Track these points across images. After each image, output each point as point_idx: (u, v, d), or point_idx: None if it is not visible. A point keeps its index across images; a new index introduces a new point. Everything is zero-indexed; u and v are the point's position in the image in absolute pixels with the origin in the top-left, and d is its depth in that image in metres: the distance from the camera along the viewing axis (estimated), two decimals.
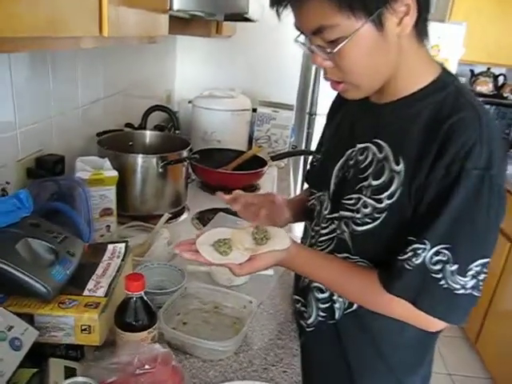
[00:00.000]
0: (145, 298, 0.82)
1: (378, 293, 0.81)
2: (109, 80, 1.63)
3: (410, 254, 0.76)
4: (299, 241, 1.13)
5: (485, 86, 2.93)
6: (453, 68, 2.57)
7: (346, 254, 0.88)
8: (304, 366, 0.93)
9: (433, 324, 0.81)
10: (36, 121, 1.17)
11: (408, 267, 0.76)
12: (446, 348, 2.69)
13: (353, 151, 0.89)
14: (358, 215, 0.85)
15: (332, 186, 0.94)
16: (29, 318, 0.77)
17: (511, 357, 2.29)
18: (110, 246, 0.98)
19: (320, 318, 0.96)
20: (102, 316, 0.79)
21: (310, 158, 1.19)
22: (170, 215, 1.33)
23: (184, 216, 1.50)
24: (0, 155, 1.04)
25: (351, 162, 0.89)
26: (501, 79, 2.98)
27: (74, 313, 0.78)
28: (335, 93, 1.05)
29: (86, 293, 0.83)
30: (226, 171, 1.78)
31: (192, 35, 1.89)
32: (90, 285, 0.85)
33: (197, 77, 2.52)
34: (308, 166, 1.22)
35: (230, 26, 2.07)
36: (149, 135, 1.59)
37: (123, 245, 0.98)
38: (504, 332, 2.39)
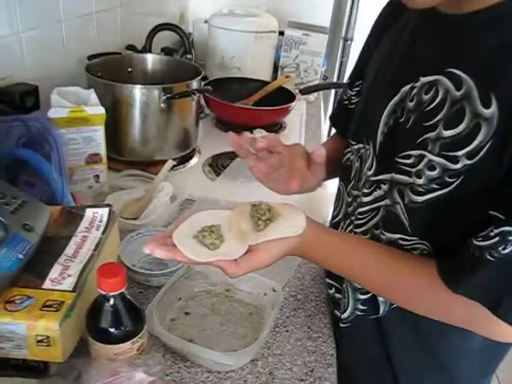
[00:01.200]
0: (127, 296, 0.58)
1: (439, 294, 0.58)
2: None
3: (495, 239, 0.51)
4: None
5: None
6: None
7: (398, 235, 0.63)
8: (339, 373, 0.71)
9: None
10: (2, 35, 0.89)
11: (489, 258, 0.52)
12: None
13: (413, 87, 0.61)
14: (420, 180, 0.59)
15: (379, 138, 0.67)
16: None
17: None
18: (89, 212, 0.73)
19: (358, 313, 0.73)
20: (68, 322, 0.56)
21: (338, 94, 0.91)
22: (174, 162, 1.07)
23: (194, 161, 1.24)
24: None
25: (411, 104, 0.61)
26: None
27: (26, 318, 0.55)
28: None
29: (46, 284, 0.60)
30: (246, 106, 1.48)
31: None
32: (55, 272, 0.62)
33: None
34: (336, 106, 0.94)
35: None
36: (153, 60, 1.29)
37: (105, 210, 0.74)
38: None
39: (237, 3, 1.94)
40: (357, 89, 0.82)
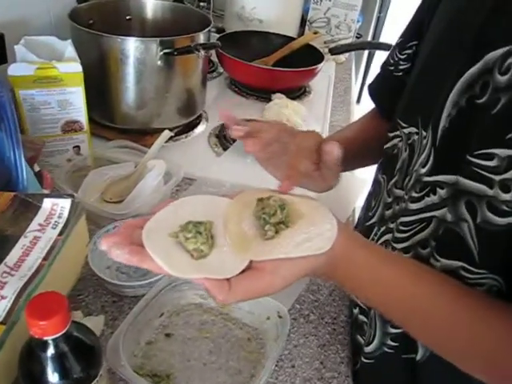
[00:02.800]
0: (74, 334, 0.42)
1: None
2: None
3: None
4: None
5: None
6: None
7: (460, 262, 0.45)
8: None
9: None
10: None
11: None
12: None
13: (509, 53, 0.41)
14: (507, 196, 0.40)
15: (443, 123, 0.47)
16: None
17: None
18: (47, 203, 0.57)
19: (387, 349, 0.56)
20: None
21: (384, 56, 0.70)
22: (172, 133, 0.89)
23: (199, 130, 1.06)
24: None
25: (502, 78, 0.41)
26: None
27: None
28: None
29: None
30: (265, 66, 1.27)
31: None
32: None
33: None
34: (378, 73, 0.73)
35: None
36: (155, 7, 1.08)
37: (67, 202, 0.57)
38: None
39: None
40: (409, 51, 0.62)
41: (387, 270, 0.46)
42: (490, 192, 0.41)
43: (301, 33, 1.61)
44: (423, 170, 0.50)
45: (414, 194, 0.50)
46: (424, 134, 0.51)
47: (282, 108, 1.17)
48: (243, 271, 0.40)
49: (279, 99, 1.21)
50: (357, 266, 0.45)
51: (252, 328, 0.62)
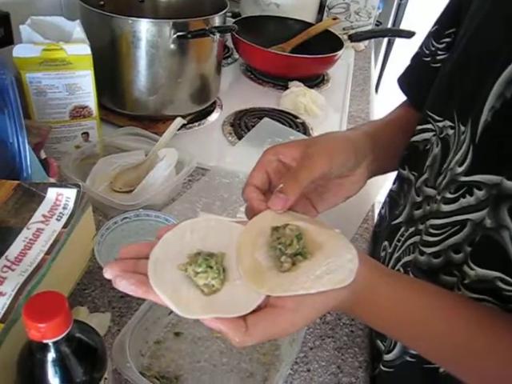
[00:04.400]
0: (76, 335, 0.39)
1: None
2: None
3: None
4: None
5: None
6: None
7: (497, 273, 0.41)
8: None
9: None
10: None
11: None
12: None
13: None
14: None
15: (484, 116, 0.42)
16: None
17: None
18: (52, 193, 0.54)
19: (408, 358, 0.52)
20: None
21: (417, 46, 0.64)
22: (184, 121, 0.86)
23: (213, 117, 1.02)
24: None
25: None
26: None
27: None
28: None
29: None
30: (282, 52, 1.23)
31: None
32: None
33: None
34: (410, 64, 0.67)
35: None
36: None
37: (73, 192, 0.54)
38: None
39: None
40: (447, 40, 0.56)
41: (416, 304, 0.42)
42: None
43: (319, 18, 1.55)
44: (460, 169, 0.45)
45: (448, 195, 0.46)
46: (463, 128, 0.46)
47: (299, 96, 1.13)
48: (259, 307, 0.37)
49: (296, 87, 1.16)
50: (382, 298, 0.42)
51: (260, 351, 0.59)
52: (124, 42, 0.83)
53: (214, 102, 1.06)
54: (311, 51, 1.21)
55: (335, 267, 0.37)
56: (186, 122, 0.88)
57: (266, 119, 1.01)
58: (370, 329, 0.62)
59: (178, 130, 0.85)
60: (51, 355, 0.38)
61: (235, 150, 0.93)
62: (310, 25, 1.35)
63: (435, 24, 0.60)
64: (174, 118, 0.84)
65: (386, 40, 2.01)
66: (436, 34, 0.59)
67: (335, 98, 1.21)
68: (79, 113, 0.76)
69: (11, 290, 0.43)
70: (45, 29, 0.69)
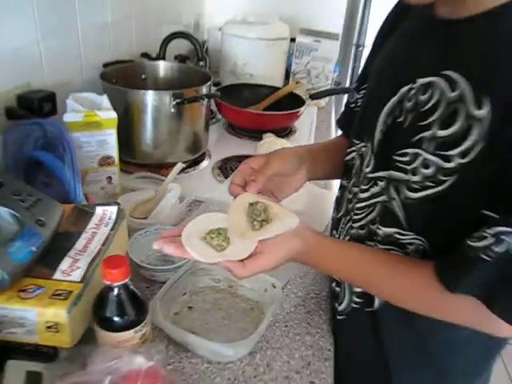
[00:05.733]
0: (131, 287, 0.62)
1: (435, 294, 0.60)
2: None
3: (490, 239, 0.52)
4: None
5: None
6: None
7: (394, 229, 0.66)
8: (334, 363, 0.74)
9: (508, 331, 0.60)
10: (16, 46, 0.95)
11: (485, 257, 0.53)
12: None
13: (411, 89, 0.64)
14: (415, 177, 0.61)
15: (377, 136, 0.70)
16: None
17: None
18: (99, 210, 0.78)
19: (354, 305, 0.76)
20: (75, 309, 0.61)
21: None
22: (184, 165, 1.11)
23: (204, 164, 1.29)
24: None
25: (408, 104, 0.64)
26: None
27: (37, 305, 0.59)
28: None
29: (57, 275, 0.64)
30: (256, 111, 1.52)
31: None
32: (65, 264, 0.66)
33: (230, 0, 2.20)
34: (343, 109, 0.96)
35: None
36: (164, 67, 1.34)
37: (114, 208, 0.78)
38: None
39: (250, 11, 1.98)
40: (363, 91, 0.85)
41: (349, 250, 0.68)
42: (406, 177, 0.63)
43: (286, 83, 1.87)
44: (367, 170, 0.71)
45: (363, 187, 0.72)
46: (368, 145, 0.73)
47: (271, 145, 1.39)
48: (251, 256, 0.61)
49: (269, 138, 1.44)
50: (326, 248, 0.67)
51: (254, 301, 0.81)
52: (135, 108, 1.10)
53: (204, 153, 1.32)
54: (280, 109, 1.50)
55: (283, 225, 0.63)
56: (185, 166, 1.13)
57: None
58: (330, 297, 0.85)
59: (178, 174, 1.10)
60: (116, 295, 0.60)
61: (223, 186, 1.18)
62: (278, 88, 1.66)
63: (356, 81, 0.89)
64: (173, 164, 1.09)
65: (346, 96, 2.34)
66: (357, 88, 0.87)
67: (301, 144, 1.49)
68: (105, 161, 1.00)
69: (83, 265, 0.66)
70: (82, 101, 0.95)
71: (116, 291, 0.60)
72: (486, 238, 0.53)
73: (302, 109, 1.50)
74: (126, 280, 0.61)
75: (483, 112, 0.54)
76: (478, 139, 0.54)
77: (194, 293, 0.82)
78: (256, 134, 1.48)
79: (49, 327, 0.60)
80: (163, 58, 1.47)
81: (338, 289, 0.81)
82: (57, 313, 0.59)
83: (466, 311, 0.60)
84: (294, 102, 1.56)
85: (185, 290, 0.81)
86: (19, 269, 0.62)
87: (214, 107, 1.55)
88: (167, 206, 0.99)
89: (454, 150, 0.57)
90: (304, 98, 1.57)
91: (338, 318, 0.78)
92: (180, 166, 1.09)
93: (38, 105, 0.95)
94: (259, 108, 1.58)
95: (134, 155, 1.16)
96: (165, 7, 1.75)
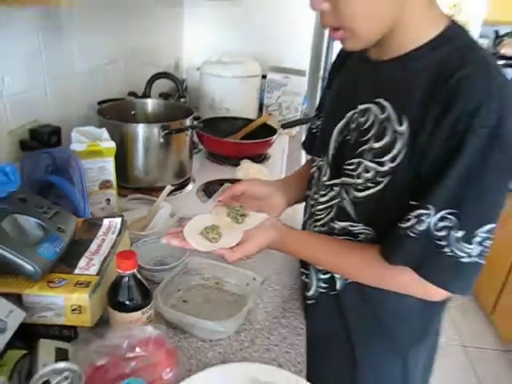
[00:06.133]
0: (138, 276, 0.77)
1: (379, 267, 0.77)
2: (110, 45, 1.55)
3: (413, 220, 0.70)
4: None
5: (510, 49, 2.75)
6: (475, 29, 2.41)
7: (347, 223, 0.83)
8: (307, 341, 0.89)
9: (436, 293, 0.75)
10: (27, 89, 1.12)
11: (411, 234, 0.71)
12: (461, 319, 2.64)
13: (354, 113, 0.83)
14: (360, 180, 0.79)
15: (331, 151, 0.88)
16: (17, 298, 0.73)
17: None
18: (106, 221, 0.93)
19: (321, 290, 0.92)
20: (94, 295, 0.75)
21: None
22: (172, 187, 1.28)
23: (189, 188, 1.45)
24: None
25: (352, 125, 0.83)
26: None
27: (64, 292, 0.74)
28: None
29: (77, 271, 0.79)
30: (233, 140, 1.70)
31: None
32: (82, 262, 0.81)
33: (205, 42, 2.43)
34: (306, 134, 1.16)
35: None
36: (152, 104, 1.52)
37: (119, 220, 0.94)
38: None
39: (225, 52, 2.19)
40: (322, 118, 1.04)
41: (312, 237, 0.86)
42: (353, 181, 0.81)
43: (259, 115, 2.07)
44: (325, 179, 0.89)
45: (322, 193, 0.90)
46: (324, 159, 0.91)
47: (248, 169, 1.57)
48: (238, 244, 0.79)
49: (246, 163, 1.61)
50: (295, 236, 0.85)
51: (237, 295, 0.96)
52: (129, 139, 1.26)
53: (189, 177, 1.49)
54: (255, 138, 1.68)
55: (257, 218, 0.81)
56: (173, 188, 1.29)
57: (225, 185, 1.44)
58: (300, 288, 1.00)
59: (167, 196, 1.26)
60: (127, 281, 0.75)
61: (206, 205, 1.34)
62: (252, 120, 1.85)
63: (315, 110, 1.08)
64: (163, 188, 1.25)
65: None
66: (317, 115, 1.06)
67: (275, 169, 1.67)
68: (104, 185, 1.16)
69: (97, 263, 0.81)
70: (84, 133, 1.12)
71: (127, 279, 0.75)
72: (410, 219, 0.71)
73: (274, 137, 1.69)
74: (135, 270, 0.76)
75: (403, 128, 0.73)
76: (401, 147, 0.73)
77: (187, 289, 0.97)
78: (234, 161, 1.65)
79: (74, 310, 0.74)
80: (149, 96, 1.65)
81: (307, 280, 0.97)
82: (80, 297, 0.74)
83: (405, 280, 0.76)
84: (267, 131, 1.75)
85: (179, 286, 0.96)
86: (47, 265, 0.76)
87: (195, 139, 1.73)
88: (160, 222, 1.14)
89: (385, 157, 0.75)
90: (276, 127, 1.77)
91: (308, 302, 0.94)
92: (169, 187, 1.25)
93: (46, 137, 1.11)
94: (236, 138, 1.76)
95: (127, 180, 1.31)
96: (147, 51, 1.95)
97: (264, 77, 2.08)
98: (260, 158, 1.74)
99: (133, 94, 1.66)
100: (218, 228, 0.81)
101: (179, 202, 1.32)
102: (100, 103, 1.40)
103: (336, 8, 0.70)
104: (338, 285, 0.88)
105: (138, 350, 0.68)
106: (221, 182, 1.48)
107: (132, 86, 1.70)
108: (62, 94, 1.27)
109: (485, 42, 2.86)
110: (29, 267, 0.74)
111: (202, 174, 1.55)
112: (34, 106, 1.15)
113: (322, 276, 0.91)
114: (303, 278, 0.99)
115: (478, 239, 0.69)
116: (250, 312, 0.91)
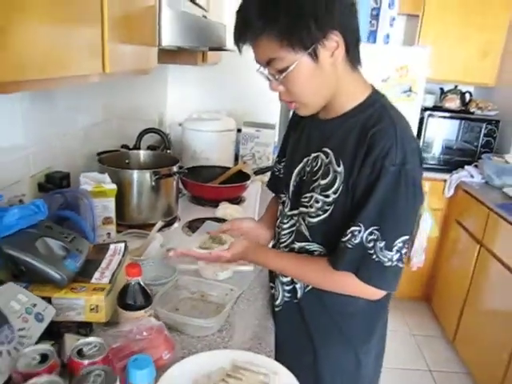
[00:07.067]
0: (142, 283, 0.99)
1: (329, 273, 0.99)
2: (106, 106, 1.83)
3: (349, 235, 0.94)
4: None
5: (452, 103, 3.14)
6: (420, 86, 2.78)
7: (305, 243, 1.07)
8: (276, 343, 1.11)
9: (372, 292, 0.97)
10: (43, 142, 1.36)
11: (349, 246, 0.94)
12: (426, 347, 2.85)
13: (308, 159, 1.08)
14: (312, 209, 1.03)
15: (291, 188, 1.13)
16: (47, 301, 0.94)
17: (485, 352, 2.45)
18: (112, 246, 1.16)
19: (286, 299, 1.15)
20: (108, 298, 0.97)
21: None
22: (163, 223, 1.51)
23: (176, 225, 1.68)
24: (16, 172, 1.23)
25: (307, 168, 1.08)
26: (467, 96, 3.19)
27: (84, 295, 0.96)
28: None
29: (93, 281, 1.01)
30: (213, 185, 1.96)
31: (180, 64, 2.09)
32: (97, 275, 1.03)
33: (186, 101, 2.73)
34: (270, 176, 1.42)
35: (215, 54, 2.28)
36: (143, 154, 1.78)
37: (123, 244, 1.16)
38: (478, 330, 2.56)
39: (204, 109, 2.49)
40: (283, 163, 1.29)
41: (279, 252, 1.11)
42: (307, 210, 1.06)
43: (235, 164, 2.34)
44: (286, 210, 1.15)
45: (285, 221, 1.15)
46: (286, 195, 1.16)
47: (226, 209, 1.82)
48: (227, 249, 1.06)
49: (224, 205, 1.86)
50: (262, 249, 1.09)
51: (219, 304, 1.18)
52: (125, 183, 1.50)
53: (176, 216, 1.72)
54: (232, 183, 1.94)
55: (230, 239, 1.06)
56: (163, 223, 1.52)
57: (207, 221, 1.68)
58: (270, 298, 1.23)
59: (158, 231, 1.49)
60: (134, 287, 0.97)
61: (191, 238, 1.57)
62: (229, 168, 2.12)
63: (277, 156, 1.34)
64: (153, 225, 1.49)
65: None
66: (278, 160, 1.33)
67: (250, 210, 1.92)
68: (106, 221, 1.39)
69: (109, 275, 1.03)
70: (90, 177, 1.36)
71: (133, 285, 0.97)
72: (348, 235, 0.95)
73: (249, 182, 1.95)
74: (139, 278, 0.98)
75: (341, 168, 0.98)
76: (340, 183, 0.98)
77: (177, 301, 1.19)
78: (214, 203, 1.89)
79: (92, 309, 0.95)
80: (139, 148, 1.90)
81: (274, 291, 1.20)
82: (98, 298, 0.95)
83: (348, 282, 0.99)
84: (242, 177, 2.01)
85: (171, 299, 1.18)
86: (71, 275, 0.98)
87: (181, 185, 1.97)
88: (153, 250, 1.37)
89: (329, 190, 1.00)
90: (250, 174, 2.03)
91: (276, 310, 1.17)
92: (160, 223, 1.48)
93: (58, 181, 1.35)
94: (216, 183, 2.02)
95: (124, 218, 1.54)
96: (136, 110, 2.23)
97: (239, 130, 2.37)
98: (237, 200, 1.99)
99: (125, 146, 1.91)
100: (210, 244, 1.06)
101: (168, 237, 1.55)
102: (99, 154, 1.65)
103: (288, 89, 0.97)
104: (299, 294, 1.11)
105: (144, 333, 0.89)
106: (203, 220, 1.72)
107: (124, 139, 1.96)
108: (69, 146, 1.52)
109: (432, 97, 3.25)
110: (57, 276, 0.95)
111: (187, 214, 1.79)
112: (48, 156, 1.39)
113: (286, 287, 1.14)
114: (272, 290, 1.22)
115: (396, 248, 0.93)
116: (229, 316, 1.13)
